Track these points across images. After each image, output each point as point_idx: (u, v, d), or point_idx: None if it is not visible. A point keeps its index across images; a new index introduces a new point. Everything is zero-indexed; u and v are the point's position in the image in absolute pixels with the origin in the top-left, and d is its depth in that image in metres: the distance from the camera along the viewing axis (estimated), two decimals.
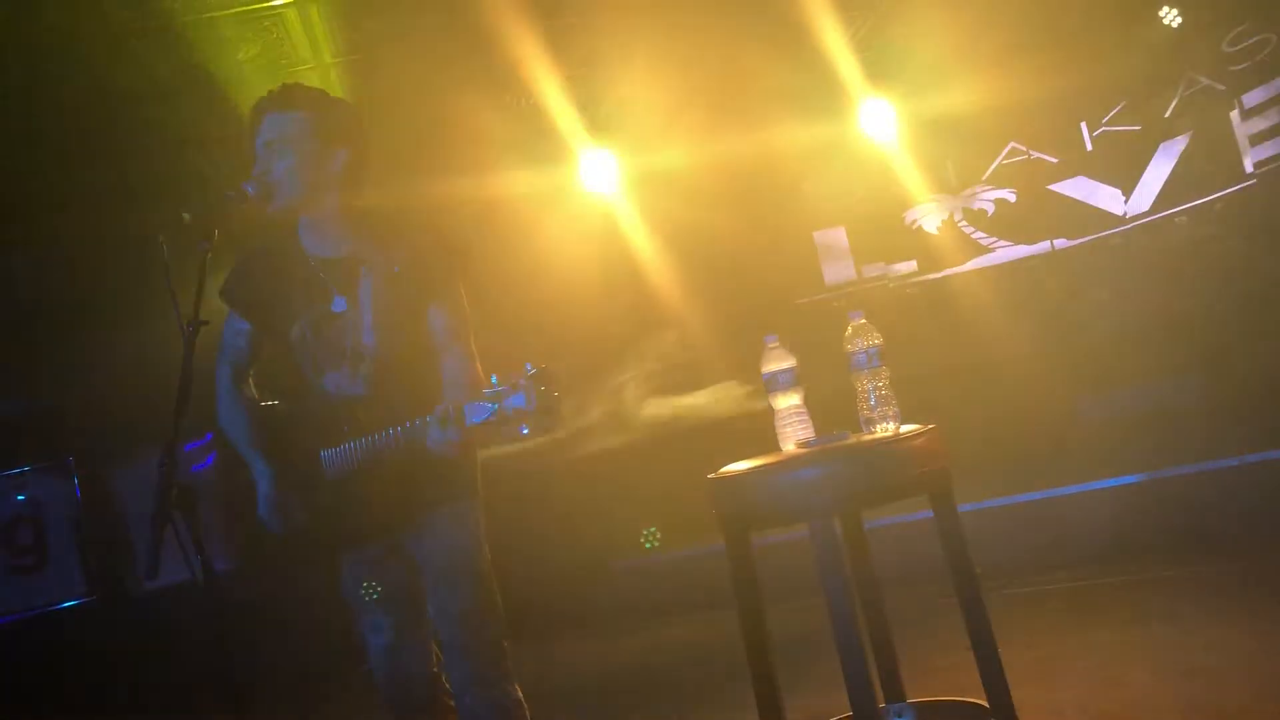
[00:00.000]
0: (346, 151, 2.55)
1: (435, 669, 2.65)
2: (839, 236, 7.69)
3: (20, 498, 6.74)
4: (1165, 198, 6.98)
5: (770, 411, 2.58)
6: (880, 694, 2.62)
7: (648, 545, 6.59)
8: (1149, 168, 7.03)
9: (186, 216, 2.31)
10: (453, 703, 2.59)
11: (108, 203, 6.11)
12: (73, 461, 6.74)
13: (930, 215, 7.62)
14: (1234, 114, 6.70)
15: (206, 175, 6.25)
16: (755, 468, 2.40)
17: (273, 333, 2.65)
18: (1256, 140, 6.63)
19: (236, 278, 2.69)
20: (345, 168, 2.55)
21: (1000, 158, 7.46)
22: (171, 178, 6.09)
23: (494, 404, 2.21)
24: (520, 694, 2.57)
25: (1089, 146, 7.24)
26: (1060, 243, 7.27)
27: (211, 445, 6.77)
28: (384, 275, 2.52)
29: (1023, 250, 7.39)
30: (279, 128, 2.49)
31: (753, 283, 7.29)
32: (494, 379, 2.25)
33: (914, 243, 7.65)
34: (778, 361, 2.53)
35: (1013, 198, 7.43)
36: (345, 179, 2.56)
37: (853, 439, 2.44)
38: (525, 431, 2.21)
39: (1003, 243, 7.44)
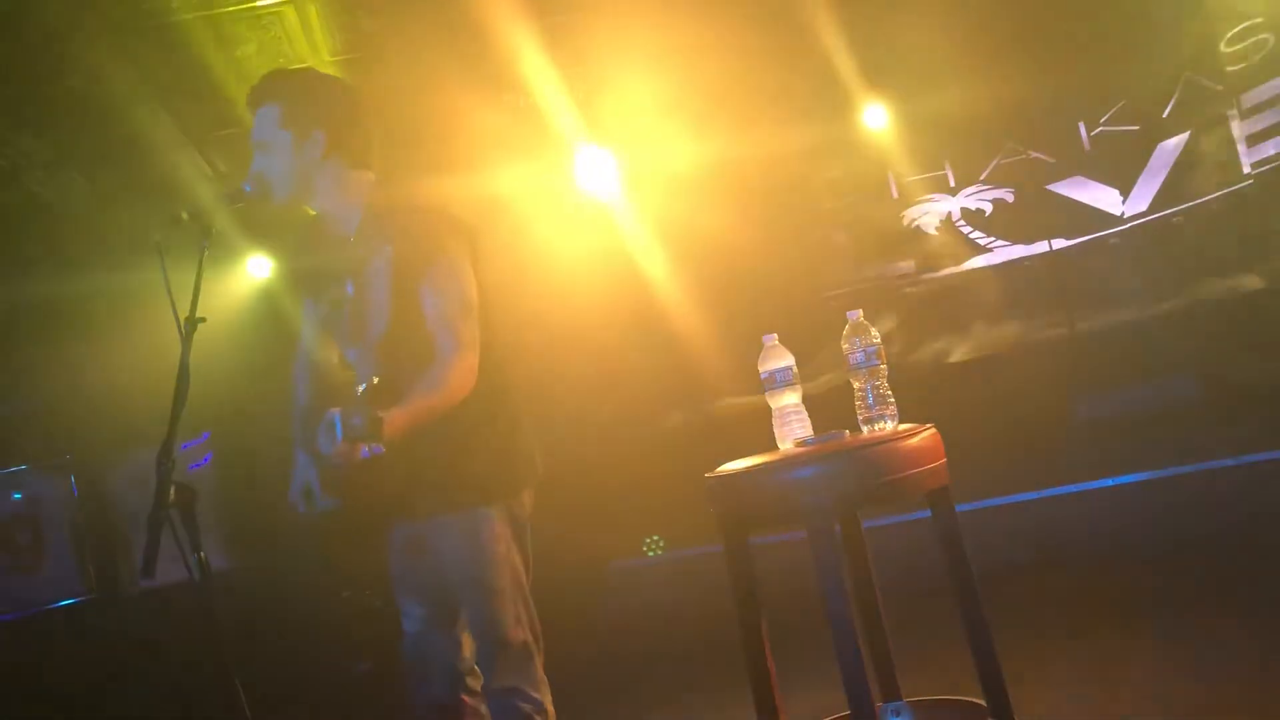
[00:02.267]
0: (324, 132, 2.49)
1: (461, 667, 2.62)
2: (837, 236, 7.69)
3: (17, 496, 6.73)
4: (1163, 198, 6.98)
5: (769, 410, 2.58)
6: (877, 693, 2.62)
7: (650, 553, 6.57)
8: (1146, 168, 7.04)
9: (184, 215, 2.30)
10: (478, 704, 2.59)
11: (105, 201, 6.12)
12: (70, 460, 6.73)
13: (928, 215, 7.63)
14: (1232, 114, 6.70)
15: (204, 174, 6.25)
16: (752, 467, 2.40)
17: (317, 310, 2.66)
18: (1254, 140, 6.63)
19: (293, 255, 2.72)
20: (326, 149, 2.49)
21: (998, 158, 7.46)
22: (169, 176, 6.09)
23: (350, 419, 2.11)
24: (543, 700, 2.53)
25: (1087, 146, 7.24)
26: (1058, 243, 7.28)
27: (209, 444, 6.78)
28: (381, 257, 2.49)
29: (1020, 250, 7.39)
30: (257, 125, 2.49)
31: (750, 281, 7.29)
32: (359, 388, 2.17)
33: (912, 243, 7.66)
34: (776, 360, 2.52)
35: (1011, 198, 7.43)
36: (330, 159, 2.51)
37: (850, 438, 2.44)
38: (380, 450, 2.11)
39: (1001, 242, 7.44)
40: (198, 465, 6.70)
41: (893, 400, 2.47)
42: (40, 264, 6.27)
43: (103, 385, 6.24)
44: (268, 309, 6.35)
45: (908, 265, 7.63)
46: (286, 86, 2.53)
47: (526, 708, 2.50)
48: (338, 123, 2.51)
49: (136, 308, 5.77)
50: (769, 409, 2.55)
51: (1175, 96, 6.90)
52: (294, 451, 2.60)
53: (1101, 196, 7.19)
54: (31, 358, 6.43)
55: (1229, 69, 6.68)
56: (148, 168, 6.06)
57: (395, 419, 2.20)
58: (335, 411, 2.13)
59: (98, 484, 6.75)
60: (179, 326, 2.20)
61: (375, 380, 2.09)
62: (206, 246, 2.31)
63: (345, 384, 2.55)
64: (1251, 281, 6.48)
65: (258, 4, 4.80)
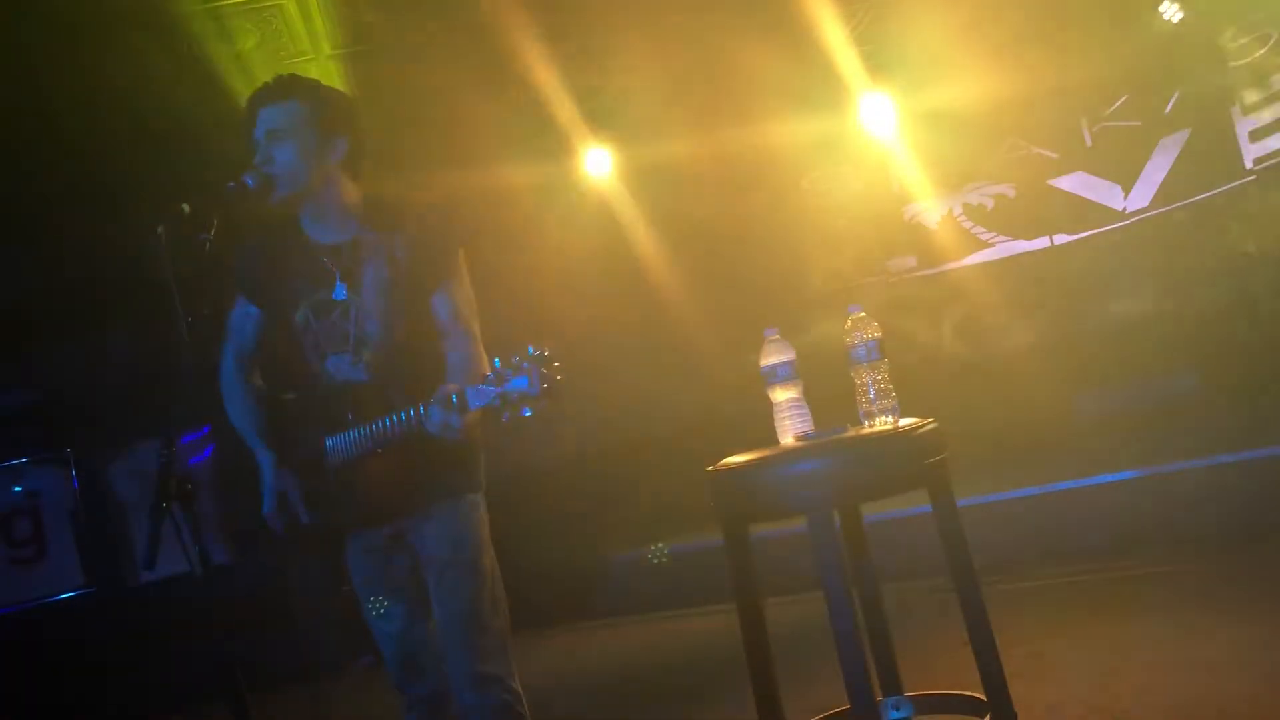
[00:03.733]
0: (345, 140, 2.57)
1: (439, 658, 2.65)
2: (839, 231, 7.68)
3: (18, 489, 6.73)
4: (1164, 194, 6.97)
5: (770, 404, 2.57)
6: (878, 687, 2.62)
7: (655, 560, 6.52)
8: (1148, 163, 7.02)
9: (186, 208, 2.31)
10: (453, 694, 2.60)
11: (107, 194, 6.11)
12: (71, 453, 6.74)
13: (930, 210, 7.61)
14: (1234, 110, 6.69)
15: (206, 167, 6.23)
16: (753, 461, 2.40)
17: (278, 318, 2.66)
18: (1256, 136, 6.62)
19: (245, 262, 2.69)
20: (345, 156, 2.57)
21: (1000, 153, 7.44)
22: (171, 169, 6.08)
23: (496, 387, 2.22)
24: (520, 690, 2.57)
25: (1089, 142, 7.22)
26: (1059, 238, 7.27)
27: (210, 437, 6.78)
28: (386, 260, 2.53)
29: (1022, 245, 7.38)
30: (277, 119, 2.50)
31: (752, 276, 7.28)
32: (496, 362, 2.25)
33: (913, 238, 7.65)
34: (777, 354, 2.52)
35: (1012, 193, 7.42)
36: (345, 167, 2.58)
37: (851, 432, 2.44)
38: (528, 413, 2.21)
39: (1002, 238, 7.43)
40: (199, 458, 6.70)
41: (894, 395, 2.47)
42: (41, 257, 6.27)
43: (104, 378, 6.23)
44: None
45: (909, 260, 7.63)
46: (313, 89, 2.58)
47: (508, 697, 2.53)
48: (356, 133, 2.60)
49: (138, 301, 5.77)
50: (770, 403, 2.55)
51: (1177, 92, 6.89)
52: (262, 465, 2.63)
53: (1103, 192, 7.18)
54: (32, 351, 6.43)
55: (1231, 64, 6.67)
56: (149, 161, 6.06)
57: None
58: (466, 387, 2.27)
59: (98, 477, 6.75)
60: (180, 320, 2.20)
61: (546, 352, 2.18)
62: (208, 240, 2.32)
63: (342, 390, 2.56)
64: (1251, 278, 6.47)
65: None
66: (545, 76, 5.82)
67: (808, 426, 2.50)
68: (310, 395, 2.62)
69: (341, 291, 2.55)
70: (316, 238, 2.59)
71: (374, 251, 2.54)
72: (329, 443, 2.52)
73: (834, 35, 6.24)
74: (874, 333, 2.48)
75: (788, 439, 2.51)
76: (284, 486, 2.58)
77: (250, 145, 2.54)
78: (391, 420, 2.40)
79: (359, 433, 2.46)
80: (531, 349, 2.20)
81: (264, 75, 2.69)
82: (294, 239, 2.61)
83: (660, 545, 6.52)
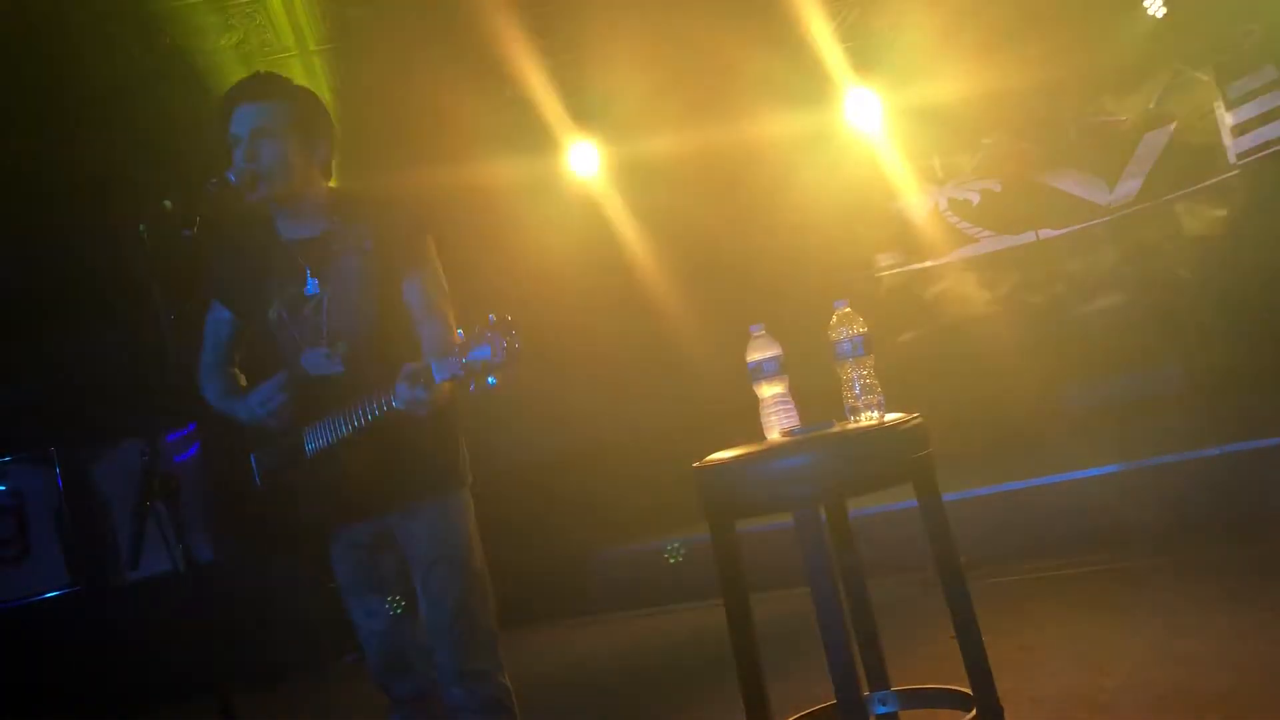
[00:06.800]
0: (326, 142, 2.61)
1: (425, 654, 2.66)
2: (824, 226, 7.69)
3: (2, 488, 6.69)
4: (1149, 188, 7.00)
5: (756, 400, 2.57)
6: (865, 682, 2.62)
7: (672, 560, 6.48)
8: (1133, 158, 7.05)
9: (168, 204, 2.31)
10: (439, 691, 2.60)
11: (89, 191, 6.07)
12: (55, 452, 6.69)
13: (916, 205, 7.63)
14: (1218, 104, 6.72)
15: (188, 163, 6.20)
16: (740, 456, 2.40)
17: (252, 318, 2.66)
18: (1240, 131, 6.65)
19: (217, 265, 2.70)
20: (326, 157, 2.61)
21: (986, 148, 7.46)
22: (153, 166, 6.04)
23: (460, 358, 2.20)
24: (509, 684, 2.58)
25: (1074, 136, 7.25)
26: (1045, 233, 7.29)
27: (194, 436, 6.74)
28: (356, 252, 2.54)
29: (1008, 240, 7.41)
30: (264, 118, 2.50)
31: (737, 271, 7.28)
32: (459, 333, 2.25)
33: (899, 233, 7.66)
34: (762, 350, 2.52)
35: (998, 188, 7.44)
36: (323, 167, 2.62)
37: (837, 427, 2.44)
38: (493, 382, 2.20)
39: (988, 233, 7.45)
40: (183, 457, 6.66)
41: (880, 390, 2.47)
42: (23, 255, 6.23)
43: (88, 376, 6.20)
44: None
45: (895, 255, 7.64)
46: (295, 89, 2.61)
47: (497, 693, 2.54)
48: (333, 134, 2.64)
49: (121, 298, 5.74)
50: (757, 399, 2.55)
51: (1162, 87, 6.92)
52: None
53: (1089, 187, 7.21)
54: (15, 349, 6.39)
55: (1215, 59, 6.69)
56: (132, 157, 6.02)
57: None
58: (431, 360, 2.26)
59: (83, 475, 6.71)
60: (163, 317, 2.20)
61: (508, 318, 2.17)
62: (190, 236, 2.31)
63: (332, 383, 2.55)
64: (1235, 272, 6.50)
65: None
66: (531, 72, 5.80)
67: (794, 422, 2.50)
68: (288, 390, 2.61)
69: (313, 286, 2.56)
70: (287, 234, 2.60)
71: (343, 244, 2.54)
72: (308, 436, 2.52)
73: (820, 30, 6.24)
74: (859, 328, 2.48)
75: (774, 434, 2.51)
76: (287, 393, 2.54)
77: (228, 140, 2.53)
78: (364, 406, 2.39)
79: (335, 423, 2.46)
80: (492, 317, 2.18)
81: (247, 71, 2.70)
82: (265, 237, 2.62)
83: (676, 544, 6.48)
